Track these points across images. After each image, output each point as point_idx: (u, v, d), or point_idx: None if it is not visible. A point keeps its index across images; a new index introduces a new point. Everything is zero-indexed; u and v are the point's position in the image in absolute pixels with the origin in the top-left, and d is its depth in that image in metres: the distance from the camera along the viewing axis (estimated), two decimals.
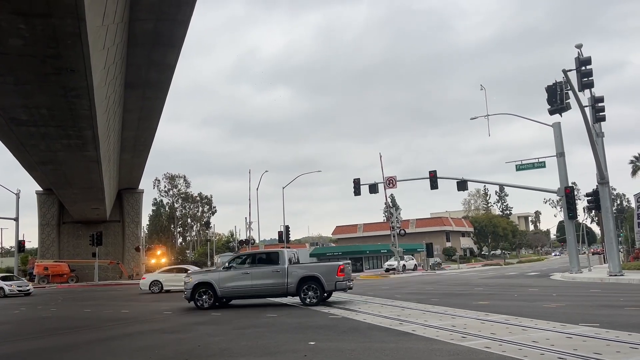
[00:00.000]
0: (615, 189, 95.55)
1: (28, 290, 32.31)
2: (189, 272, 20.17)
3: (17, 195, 47.93)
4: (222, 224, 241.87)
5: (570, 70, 23.93)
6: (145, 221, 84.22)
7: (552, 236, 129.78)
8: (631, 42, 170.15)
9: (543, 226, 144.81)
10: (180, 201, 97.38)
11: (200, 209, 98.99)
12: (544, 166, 32.18)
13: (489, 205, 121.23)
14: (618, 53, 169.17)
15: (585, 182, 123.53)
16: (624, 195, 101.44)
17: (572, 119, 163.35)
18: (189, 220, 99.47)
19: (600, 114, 25.30)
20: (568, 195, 30.37)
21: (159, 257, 65.81)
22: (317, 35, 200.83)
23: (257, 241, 63.08)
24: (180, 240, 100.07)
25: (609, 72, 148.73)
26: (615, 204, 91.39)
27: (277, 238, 57.47)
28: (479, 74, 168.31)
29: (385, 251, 60.41)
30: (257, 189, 59.61)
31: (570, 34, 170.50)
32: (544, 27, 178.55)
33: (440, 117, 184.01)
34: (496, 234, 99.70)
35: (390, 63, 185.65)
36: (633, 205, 34.04)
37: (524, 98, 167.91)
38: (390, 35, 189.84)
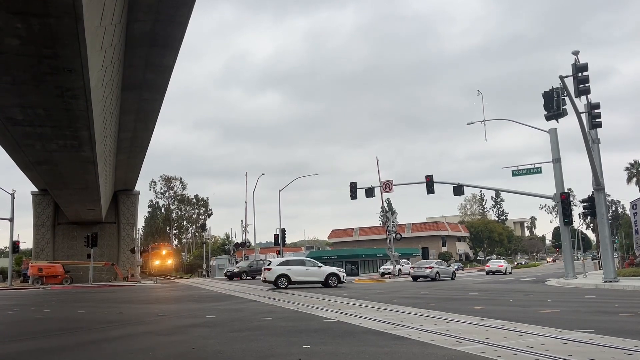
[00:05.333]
0: (609, 195, 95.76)
1: None
2: None
3: (12, 195, 47.77)
4: (218, 227, 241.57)
5: (567, 77, 24.03)
6: (140, 223, 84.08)
7: (548, 242, 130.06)
8: (616, 50, 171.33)
9: (538, 232, 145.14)
10: (176, 203, 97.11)
11: (196, 211, 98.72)
12: (540, 172, 32.31)
13: (485, 210, 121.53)
14: (602, 62, 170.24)
15: (579, 188, 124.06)
16: (619, 201, 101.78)
17: (565, 126, 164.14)
18: (184, 223, 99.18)
19: (597, 120, 25.38)
20: (564, 201, 30.43)
21: (164, 258, 63.41)
22: (305, 40, 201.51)
23: (253, 244, 62.93)
24: (175, 242, 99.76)
25: (593, 80, 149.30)
26: (611, 211, 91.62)
27: (273, 241, 57.41)
28: (465, 80, 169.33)
29: (381, 255, 60.41)
30: (253, 191, 59.56)
31: (555, 43, 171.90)
32: (530, 34, 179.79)
33: (429, 122, 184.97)
34: (492, 239, 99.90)
35: (378, 69, 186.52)
36: (628, 212, 34.13)
37: (511, 104, 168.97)
38: (377, 41, 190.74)
